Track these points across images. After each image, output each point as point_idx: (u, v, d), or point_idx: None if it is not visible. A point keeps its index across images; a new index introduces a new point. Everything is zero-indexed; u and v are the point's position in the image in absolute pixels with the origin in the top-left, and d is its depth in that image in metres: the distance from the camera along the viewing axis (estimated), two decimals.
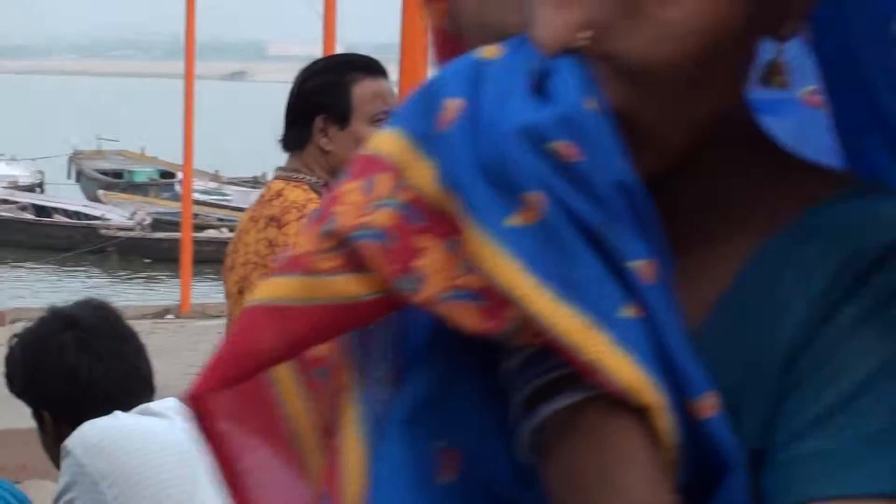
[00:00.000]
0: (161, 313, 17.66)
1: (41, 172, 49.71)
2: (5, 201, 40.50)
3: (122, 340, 4.55)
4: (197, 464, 4.10)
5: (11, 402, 4.68)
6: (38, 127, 53.51)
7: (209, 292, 23.60)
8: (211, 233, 36.83)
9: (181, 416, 4.19)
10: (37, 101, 67.70)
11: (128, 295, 30.92)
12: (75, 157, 50.40)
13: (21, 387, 4.47)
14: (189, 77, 16.58)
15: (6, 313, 17.36)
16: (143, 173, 48.18)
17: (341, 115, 5.44)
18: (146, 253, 37.77)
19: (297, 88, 5.56)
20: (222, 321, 17.14)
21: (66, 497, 4.20)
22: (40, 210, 41.83)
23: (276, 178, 5.56)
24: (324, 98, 5.46)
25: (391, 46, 7.02)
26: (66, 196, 45.78)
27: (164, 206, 41.58)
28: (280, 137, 5.67)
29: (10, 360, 4.55)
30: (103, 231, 39.25)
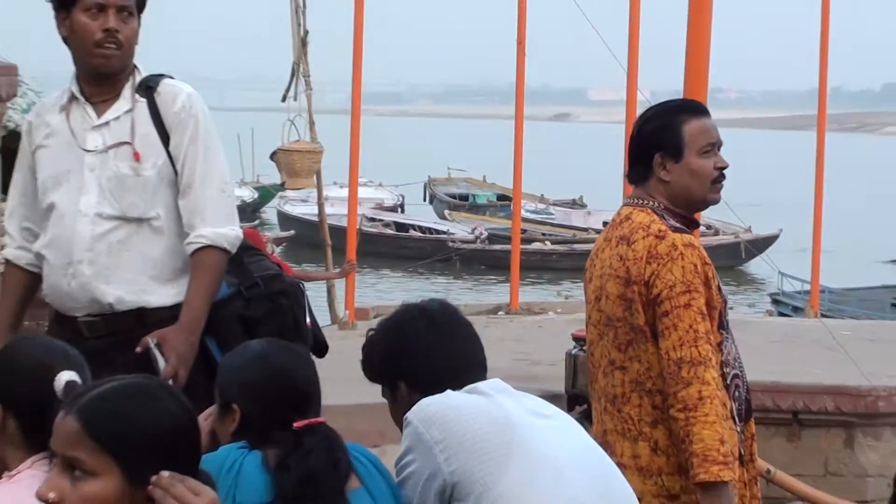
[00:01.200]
0: (494, 310, 17.60)
1: (402, 196, 50.18)
2: (372, 219, 40.89)
3: (461, 329, 4.54)
4: (512, 437, 4.05)
5: (367, 382, 4.65)
6: (400, 159, 53.83)
7: (533, 294, 23.64)
8: (536, 245, 36.95)
9: (503, 395, 4.23)
10: (399, 138, 67.96)
11: (467, 295, 31.09)
12: (430, 184, 50.73)
13: (378, 365, 4.40)
14: (519, 118, 16.59)
15: (370, 309, 17.47)
16: (484, 196, 48.30)
17: (675, 150, 5.26)
18: (483, 261, 37.92)
19: (637, 132, 5.37)
20: (544, 317, 17.20)
21: (406, 459, 4.08)
22: (399, 226, 42.23)
23: (625, 205, 5.34)
24: (659, 138, 5.27)
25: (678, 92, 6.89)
26: (421, 215, 46.11)
27: (498, 224, 41.62)
28: (626, 173, 5.49)
29: (370, 342, 4.45)
30: (449, 244, 39.49)
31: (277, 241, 28.42)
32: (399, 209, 47.90)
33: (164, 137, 5.50)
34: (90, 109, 5.56)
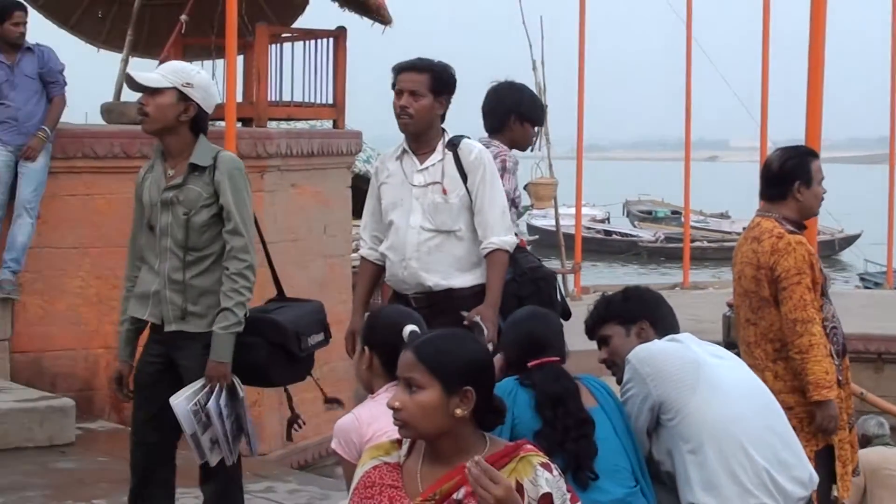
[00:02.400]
0: (672, 287, 17.51)
1: (608, 212, 49.37)
2: (588, 228, 40.58)
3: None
4: (698, 372, 4.07)
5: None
6: (609, 189, 53.37)
7: (696, 275, 23.30)
8: (697, 243, 36.36)
9: (693, 343, 4.22)
10: (605, 174, 67.69)
11: (652, 277, 30.72)
12: (626, 204, 50.02)
13: (636, 309, 4.40)
14: (687, 160, 16.54)
15: (589, 287, 17.56)
16: (662, 211, 47.72)
17: (808, 180, 5.38)
18: (662, 255, 37.65)
19: (780, 166, 5.40)
20: (705, 291, 17.03)
21: (627, 386, 4.11)
22: (606, 232, 41.89)
23: (756, 215, 5.44)
24: (799, 171, 5.36)
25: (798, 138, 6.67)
26: (620, 225, 45.69)
27: (671, 230, 41.19)
28: (760, 193, 5.51)
29: (633, 295, 4.51)
30: (639, 243, 39.41)
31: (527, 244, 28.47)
32: (606, 221, 47.62)
33: (464, 177, 5.57)
34: (415, 159, 5.63)
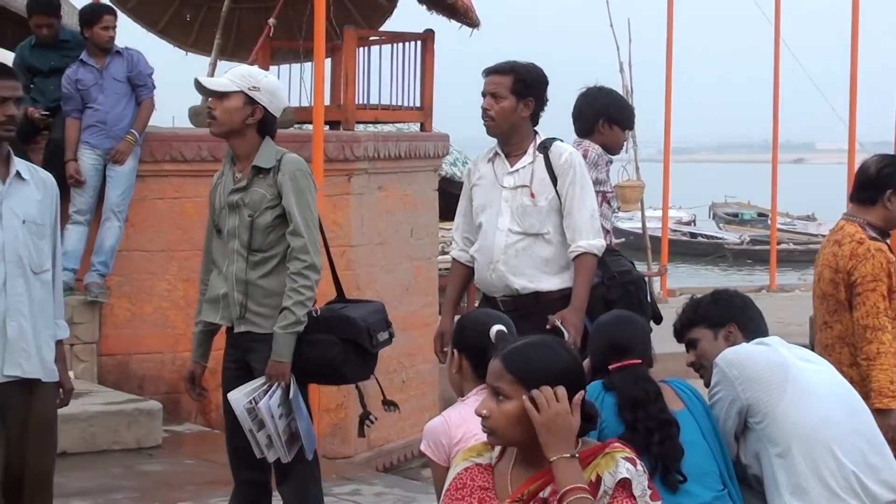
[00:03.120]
0: (758, 289, 17.32)
1: (694, 215, 49.25)
2: (674, 230, 40.29)
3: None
4: (786, 375, 4.02)
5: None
6: (693, 190, 53.07)
7: (782, 278, 23.04)
8: (783, 245, 35.99)
9: (781, 346, 4.15)
10: (691, 176, 67.22)
11: (737, 280, 30.48)
12: (712, 206, 49.88)
13: (724, 313, 4.35)
14: (774, 162, 16.33)
15: (676, 290, 17.38)
16: (748, 214, 47.51)
17: None
18: (748, 256, 37.43)
19: (877, 172, 5.28)
20: (792, 294, 16.74)
21: (715, 389, 4.07)
22: (692, 234, 41.68)
23: (842, 218, 5.35)
24: (893, 179, 5.21)
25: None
26: (706, 227, 45.52)
27: (757, 232, 41.03)
28: (850, 194, 5.41)
29: (723, 298, 4.46)
30: (724, 245, 39.15)
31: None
32: (692, 223, 47.35)
33: (554, 180, 5.54)
34: (506, 161, 5.62)
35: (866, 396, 4.97)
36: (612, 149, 6.27)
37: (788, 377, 4.03)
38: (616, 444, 3.21)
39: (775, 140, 16.69)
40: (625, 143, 6.73)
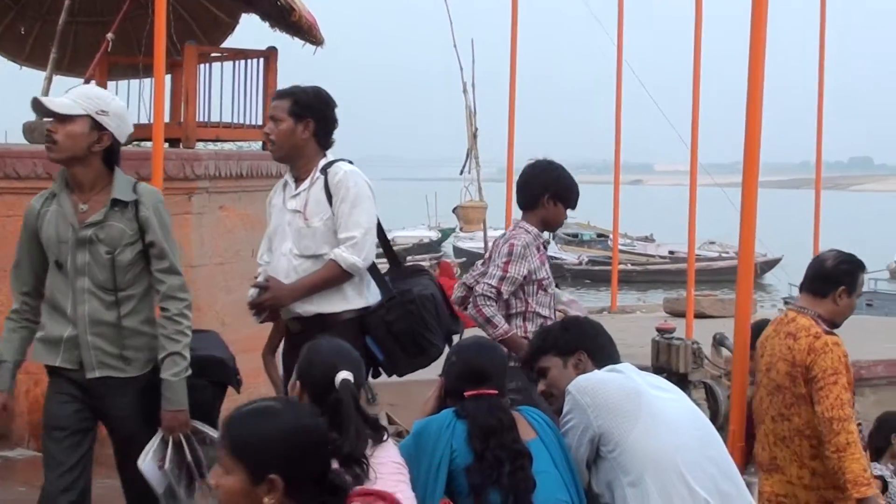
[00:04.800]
0: (600, 311, 17.53)
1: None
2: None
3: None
4: (640, 403, 4.03)
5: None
6: None
7: (623, 299, 23.41)
8: (622, 266, 36.74)
9: (633, 373, 4.18)
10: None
11: (579, 300, 30.96)
12: None
13: (573, 341, 4.36)
14: (616, 183, 16.61)
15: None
16: (588, 234, 48.27)
17: (852, 290, 5.38)
18: (587, 277, 37.92)
19: (833, 268, 5.38)
20: (633, 315, 17.02)
21: (568, 416, 4.05)
22: None
23: (792, 309, 5.46)
24: (847, 279, 5.36)
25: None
26: (551, 249, 46.13)
27: (596, 252, 41.74)
28: (803, 286, 5.50)
29: (573, 325, 4.50)
30: (564, 266, 39.72)
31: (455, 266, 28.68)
32: None
33: (330, 200, 5.49)
34: (292, 184, 5.64)
35: (836, 488, 5.11)
36: (551, 225, 6.34)
37: (642, 405, 4.04)
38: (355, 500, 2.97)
39: (617, 161, 16.94)
40: (565, 221, 6.72)
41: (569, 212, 6.55)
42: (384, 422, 8.19)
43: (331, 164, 5.56)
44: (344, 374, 3.82)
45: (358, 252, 5.43)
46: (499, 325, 5.91)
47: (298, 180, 5.61)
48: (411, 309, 5.59)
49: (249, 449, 2.83)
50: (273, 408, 2.92)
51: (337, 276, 5.44)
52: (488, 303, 5.95)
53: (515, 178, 17.19)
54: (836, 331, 5.34)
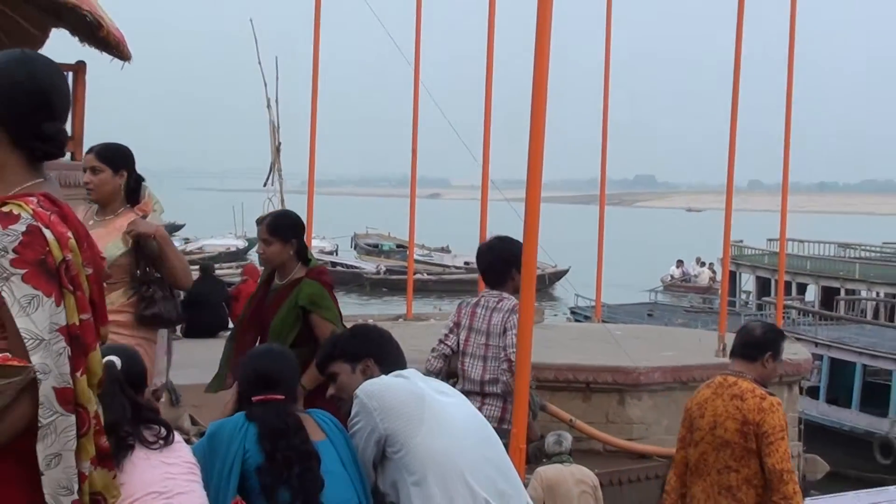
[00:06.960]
0: (396, 318, 17.62)
1: (337, 244, 50.11)
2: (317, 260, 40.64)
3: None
4: (424, 407, 4.04)
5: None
6: (338, 221, 53.61)
7: (418, 307, 23.60)
8: (419, 275, 36.98)
9: (418, 379, 4.21)
10: (335, 208, 67.76)
11: (376, 308, 31.03)
12: (355, 237, 50.81)
13: (359, 347, 4.36)
14: (412, 197, 16.77)
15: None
16: (388, 245, 48.40)
17: (777, 354, 5.81)
18: (385, 286, 38.03)
19: (762, 334, 5.83)
20: (428, 322, 17.19)
21: (355, 419, 4.10)
22: (333, 264, 42.17)
23: (731, 373, 5.82)
24: (773, 344, 5.80)
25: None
26: (348, 257, 46.12)
27: (394, 263, 41.86)
28: (737, 353, 5.86)
29: (359, 333, 4.51)
30: (363, 275, 39.77)
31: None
32: (334, 253, 47.85)
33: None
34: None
35: None
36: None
37: (425, 409, 4.05)
38: None
39: (413, 175, 17.10)
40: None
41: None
42: (187, 423, 8.13)
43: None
44: (108, 359, 3.62)
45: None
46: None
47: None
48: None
49: None
50: None
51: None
52: None
53: (318, 190, 17.18)
54: None
